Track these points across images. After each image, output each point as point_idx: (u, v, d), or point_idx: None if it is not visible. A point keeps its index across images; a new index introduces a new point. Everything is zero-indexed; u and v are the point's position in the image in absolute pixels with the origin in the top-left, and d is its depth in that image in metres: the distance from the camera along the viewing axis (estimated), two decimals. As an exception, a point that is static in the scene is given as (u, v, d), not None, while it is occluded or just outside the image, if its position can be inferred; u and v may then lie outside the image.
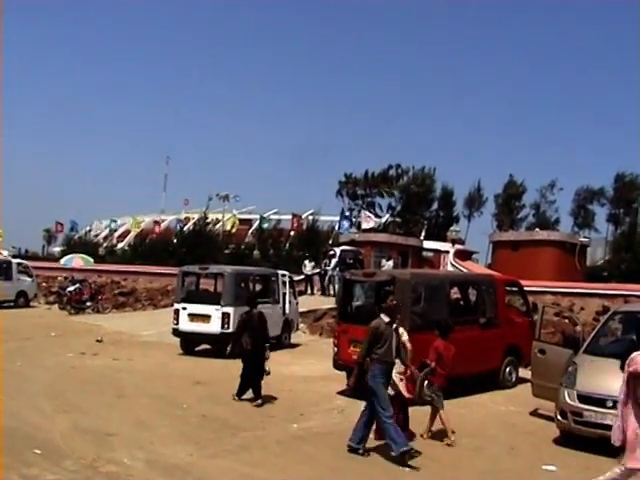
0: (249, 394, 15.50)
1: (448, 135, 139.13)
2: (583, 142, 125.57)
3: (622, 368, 8.51)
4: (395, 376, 12.02)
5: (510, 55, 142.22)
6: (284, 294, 25.36)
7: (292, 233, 63.00)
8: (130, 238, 78.27)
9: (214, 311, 21.81)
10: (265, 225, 65.44)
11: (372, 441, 12.18)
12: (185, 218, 75.46)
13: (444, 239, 57.53)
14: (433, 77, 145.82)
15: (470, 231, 75.73)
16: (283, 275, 25.96)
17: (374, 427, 11.94)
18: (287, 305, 25.34)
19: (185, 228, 66.21)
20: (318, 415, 14.32)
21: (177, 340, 22.95)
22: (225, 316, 21.77)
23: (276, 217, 71.04)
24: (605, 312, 20.09)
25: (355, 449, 11.32)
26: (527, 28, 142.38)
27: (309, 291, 37.30)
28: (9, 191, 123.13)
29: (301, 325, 28.11)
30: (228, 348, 16.07)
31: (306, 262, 38.71)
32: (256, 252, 55.82)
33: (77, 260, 50.20)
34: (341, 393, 16.39)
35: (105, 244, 79.51)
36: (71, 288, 36.25)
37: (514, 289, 20.63)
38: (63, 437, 11.38)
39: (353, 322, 16.51)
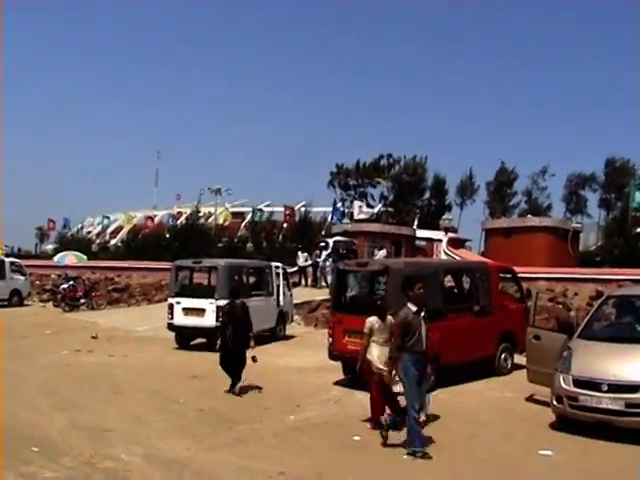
0: (225, 384, 15.62)
1: (439, 124, 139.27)
2: (574, 128, 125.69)
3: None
4: (379, 363, 12.30)
5: (500, 43, 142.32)
6: (278, 286, 25.40)
7: (285, 225, 62.96)
8: (123, 234, 78.17)
9: (208, 305, 21.81)
10: (258, 218, 65.40)
11: (369, 431, 12.23)
12: (177, 213, 75.41)
13: (437, 228, 57.49)
14: (423, 67, 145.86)
15: (462, 219, 76.00)
16: (277, 267, 25.98)
17: (370, 415, 12.20)
18: (281, 297, 25.39)
19: (178, 223, 66.13)
20: (314, 406, 14.33)
21: (172, 334, 22.97)
22: (220, 309, 21.74)
23: (268, 209, 71.02)
24: (599, 297, 20.13)
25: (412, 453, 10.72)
26: (512, 14, 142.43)
27: (303, 283, 37.33)
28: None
29: (296, 317, 28.14)
30: (218, 342, 16.06)
31: (299, 254, 38.73)
32: (249, 245, 55.79)
33: (70, 257, 50.05)
34: (337, 383, 16.44)
35: (98, 241, 79.42)
36: (65, 285, 36.26)
37: (508, 276, 20.65)
38: (60, 434, 11.39)
39: (347, 312, 16.52)
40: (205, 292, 22.92)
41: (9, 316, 31.22)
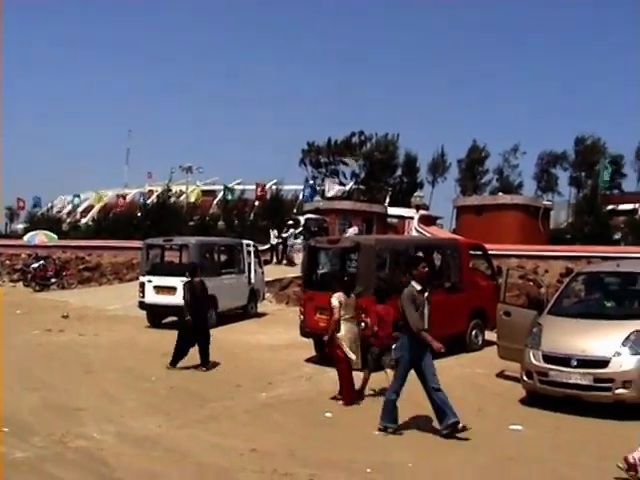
0: (195, 361, 15.68)
1: (411, 102, 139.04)
2: (545, 106, 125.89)
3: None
4: (346, 345, 12.69)
5: (471, 20, 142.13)
6: (249, 264, 25.42)
7: (256, 203, 62.77)
8: (94, 213, 77.54)
9: (179, 283, 21.62)
10: (229, 196, 65.13)
11: (341, 408, 12.30)
12: (148, 191, 74.81)
13: (408, 205, 57.70)
14: (393, 44, 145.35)
15: (434, 197, 76.16)
16: (248, 245, 25.98)
17: (338, 391, 12.68)
18: (253, 275, 25.43)
19: (149, 201, 65.68)
20: (286, 383, 14.39)
21: (143, 313, 22.94)
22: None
23: (240, 187, 70.69)
24: (569, 274, 20.27)
25: (452, 425, 10.50)
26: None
27: (274, 260, 37.31)
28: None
29: (267, 294, 28.17)
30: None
31: (271, 232, 38.72)
32: (221, 223, 55.56)
33: (40, 237, 49.68)
34: (309, 360, 16.50)
35: (69, 220, 78.71)
36: (35, 265, 36.06)
37: (478, 253, 20.72)
38: (32, 414, 11.36)
39: (319, 289, 16.54)
40: (176, 270, 22.83)
41: (-22, 296, 31.01)
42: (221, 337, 20.33)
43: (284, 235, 37.46)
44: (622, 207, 57.73)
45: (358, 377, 13.11)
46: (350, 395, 12.75)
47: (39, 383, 13.75)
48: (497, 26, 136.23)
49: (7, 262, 43.43)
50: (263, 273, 27.32)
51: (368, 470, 9.00)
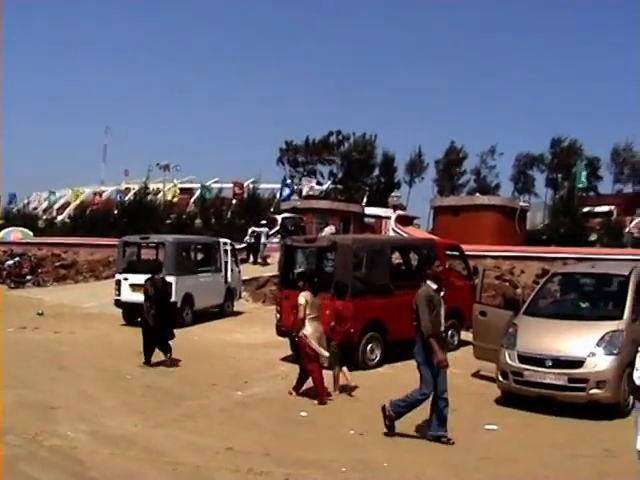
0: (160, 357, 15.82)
1: (389, 102, 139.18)
2: (523, 107, 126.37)
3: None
4: (315, 342, 12.80)
5: (450, 20, 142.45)
6: (226, 262, 25.39)
7: (234, 201, 62.64)
8: (70, 210, 77.04)
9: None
10: (207, 194, 64.96)
11: (316, 407, 12.32)
12: (125, 189, 74.42)
13: (385, 205, 57.67)
14: (373, 43, 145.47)
15: (411, 197, 76.36)
16: (225, 243, 25.96)
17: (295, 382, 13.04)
18: (229, 273, 25.39)
19: (126, 199, 65.42)
20: (262, 382, 14.41)
21: (119, 311, 22.85)
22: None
23: (217, 186, 70.53)
24: (544, 275, 20.37)
25: (438, 437, 10.43)
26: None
27: (251, 259, 37.25)
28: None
29: (244, 293, 28.13)
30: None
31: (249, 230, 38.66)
32: (198, 221, 55.46)
33: (16, 233, 49.49)
34: (285, 359, 16.50)
35: (44, 217, 78.28)
36: (10, 262, 35.84)
37: (455, 253, 20.81)
38: (6, 412, 11.24)
39: (295, 288, 16.52)
40: (153, 268, 22.73)
41: (-48, 293, 30.80)
42: (197, 336, 20.40)
43: (258, 230, 37.36)
44: (598, 209, 58.08)
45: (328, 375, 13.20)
46: (323, 393, 12.88)
47: (14, 380, 13.61)
48: (471, 26, 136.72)
49: (-19, 259, 43.09)
50: (240, 272, 27.30)
51: (343, 469, 9.02)
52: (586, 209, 54.94)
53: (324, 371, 13.15)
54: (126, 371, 15.02)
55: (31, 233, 49.30)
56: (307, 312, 12.97)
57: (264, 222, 39.41)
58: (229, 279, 25.43)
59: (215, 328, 22.27)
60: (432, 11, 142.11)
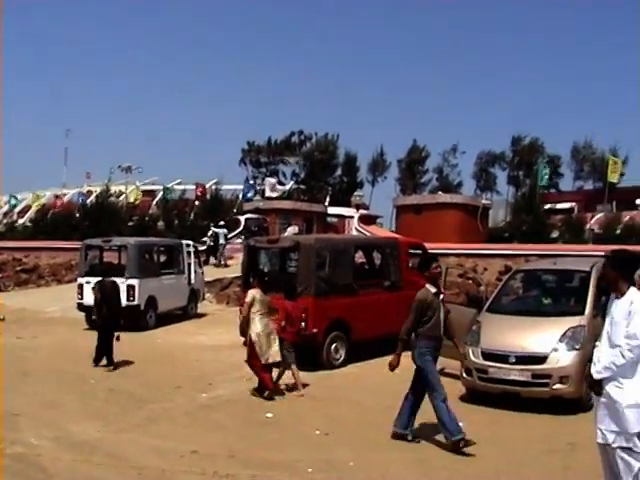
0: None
1: (351, 101, 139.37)
2: (484, 106, 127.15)
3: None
4: (255, 336, 13.02)
5: (417, 18, 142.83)
6: (189, 264, 25.31)
7: (196, 203, 62.48)
8: (31, 213, 76.36)
9: (119, 284, 21.51)
10: (169, 196, 64.72)
11: (281, 408, 12.29)
12: (87, 191, 73.88)
13: (348, 205, 57.90)
14: (334, 43, 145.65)
15: (374, 196, 76.69)
16: (188, 245, 25.87)
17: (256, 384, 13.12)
18: (192, 275, 25.32)
19: (88, 201, 65.00)
20: (226, 384, 14.35)
21: (82, 315, 22.66)
22: (130, 288, 21.60)
23: (180, 187, 70.29)
24: (507, 272, 20.55)
25: (402, 435, 10.30)
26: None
27: (211, 260, 37.18)
28: None
29: (207, 295, 28.06)
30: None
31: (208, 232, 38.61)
32: (160, 223, 55.25)
33: (-25, 238, 48.91)
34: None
35: (5, 220, 77.51)
36: (-30, 267, 35.46)
37: (418, 252, 20.85)
38: (-34, 420, 11.15)
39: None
40: (115, 271, 22.53)
41: None
42: (161, 338, 20.31)
43: (216, 231, 37.31)
44: (559, 206, 58.68)
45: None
46: (270, 384, 13.14)
47: (-26, 388, 13.51)
48: (435, 27, 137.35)
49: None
50: (203, 273, 27.24)
51: (309, 470, 9.00)
52: (547, 206, 55.51)
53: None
54: (89, 375, 14.91)
55: (-9, 237, 48.75)
56: (257, 309, 13.13)
57: (222, 223, 39.38)
58: (192, 281, 25.35)
59: (179, 330, 22.18)
60: (386, 6, 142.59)
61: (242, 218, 44.06)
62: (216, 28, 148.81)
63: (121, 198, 65.65)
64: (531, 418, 11.60)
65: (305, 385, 13.77)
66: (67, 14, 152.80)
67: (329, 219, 56.79)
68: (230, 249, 39.42)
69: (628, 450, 6.64)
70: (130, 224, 54.12)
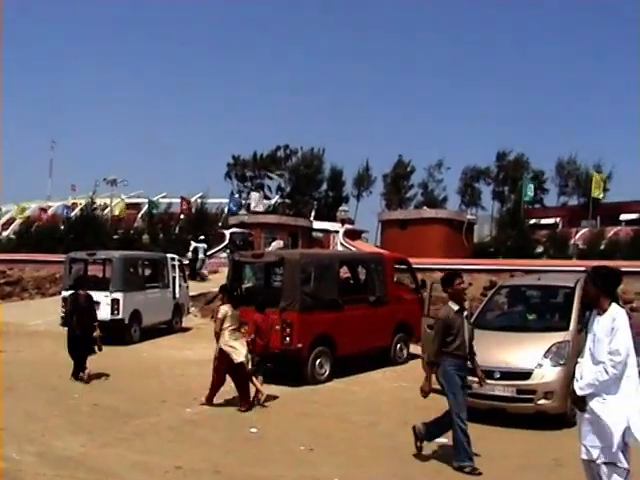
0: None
1: (337, 116, 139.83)
2: (469, 121, 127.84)
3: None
4: (227, 346, 13.33)
5: (397, 39, 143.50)
6: (174, 278, 25.27)
7: (182, 216, 62.45)
8: (15, 226, 76.13)
9: (103, 297, 21.45)
10: (155, 209, 64.64)
11: (266, 422, 12.26)
12: (72, 204, 73.80)
13: (334, 219, 58.03)
14: (320, 59, 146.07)
15: (359, 211, 77.02)
16: (172, 259, 25.83)
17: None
18: (177, 289, 25.28)
19: (72, 214, 64.89)
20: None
21: (66, 329, 22.52)
22: (114, 302, 21.55)
23: (165, 201, 70.30)
24: (492, 287, 20.58)
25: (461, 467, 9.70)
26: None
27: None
28: None
29: (192, 309, 28.01)
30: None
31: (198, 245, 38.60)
32: (145, 237, 55.15)
33: (-41, 250, 48.61)
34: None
35: (-11, 233, 77.33)
36: (-47, 280, 35.26)
37: (403, 267, 20.91)
38: (-53, 435, 11.07)
39: (244, 304, 16.50)
40: (100, 285, 22.54)
41: None
42: (146, 352, 20.23)
43: (196, 245, 37.34)
44: (544, 221, 58.95)
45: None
46: (212, 394, 13.62)
47: (-43, 402, 13.43)
48: (418, 44, 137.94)
49: None
50: (188, 287, 27.18)
51: (294, 485, 8.99)
52: (532, 221, 55.82)
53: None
54: (73, 390, 14.84)
55: (-25, 250, 48.51)
56: (229, 323, 13.41)
57: (202, 237, 39.43)
58: (177, 295, 25.31)
59: (163, 344, 22.12)
60: (372, 23, 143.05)
61: (227, 232, 44.00)
62: (202, 43, 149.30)
63: (106, 211, 65.51)
64: (517, 434, 11.64)
65: (274, 397, 14.06)
66: (52, 26, 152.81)
67: (314, 234, 56.84)
68: (215, 263, 39.41)
69: (612, 466, 6.68)
70: (115, 237, 54.01)
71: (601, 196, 59.62)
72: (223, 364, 13.44)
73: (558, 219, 62.27)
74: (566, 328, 12.64)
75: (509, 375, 11.98)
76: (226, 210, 63.71)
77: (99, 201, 64.08)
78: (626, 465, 6.72)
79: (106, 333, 20.01)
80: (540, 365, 12.01)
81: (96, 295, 21.05)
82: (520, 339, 12.76)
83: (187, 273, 29.47)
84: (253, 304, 14.49)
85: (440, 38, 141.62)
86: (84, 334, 15.99)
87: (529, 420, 11.84)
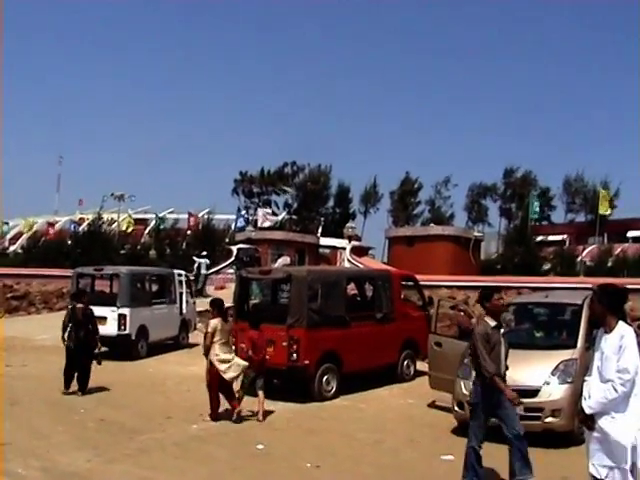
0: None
1: (344, 132, 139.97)
2: (477, 138, 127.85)
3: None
4: (217, 361, 13.47)
5: (409, 47, 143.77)
6: (181, 294, 25.23)
7: (189, 232, 62.52)
8: (23, 240, 76.36)
9: (110, 312, 21.46)
10: (162, 225, 64.75)
11: (273, 439, 12.21)
12: (79, 219, 74.04)
13: (341, 236, 57.93)
14: (327, 74, 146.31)
15: (366, 227, 76.86)
16: (179, 275, 25.81)
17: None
18: (184, 305, 25.23)
19: (80, 229, 65.07)
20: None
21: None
22: (121, 317, 21.52)
23: (173, 216, 70.46)
24: (499, 304, 20.50)
25: None
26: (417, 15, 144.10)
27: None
28: None
29: (199, 325, 27.93)
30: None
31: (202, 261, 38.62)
32: (152, 252, 55.24)
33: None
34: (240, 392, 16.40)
35: (-4, 247, 77.53)
36: (-39, 294, 35.29)
37: (410, 284, 20.86)
38: (-46, 449, 11.05)
39: (251, 320, 16.49)
40: (107, 300, 22.56)
41: None
42: (152, 368, 20.19)
43: (198, 261, 37.38)
44: (551, 238, 58.87)
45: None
46: (215, 411, 13.75)
47: (-37, 416, 13.40)
48: (428, 58, 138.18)
49: None
50: (195, 303, 27.14)
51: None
52: (539, 238, 55.81)
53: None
54: (79, 405, 14.81)
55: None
56: (219, 337, 13.54)
57: (205, 253, 39.51)
58: (184, 310, 25.26)
59: (170, 360, 22.08)
60: (378, 40, 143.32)
61: (234, 248, 43.99)
62: (210, 56, 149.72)
63: (113, 226, 65.64)
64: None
65: (270, 412, 14.08)
66: (61, 43, 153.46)
67: (321, 250, 56.81)
68: (221, 279, 39.41)
69: (621, 484, 6.64)
70: (122, 252, 54.11)
71: (608, 213, 59.59)
72: (215, 379, 13.58)
73: (565, 236, 62.27)
74: (574, 346, 12.61)
75: (517, 393, 11.90)
76: (233, 226, 63.77)
77: (106, 216, 64.27)
78: (635, 484, 6.69)
79: (113, 348, 20.13)
80: (547, 383, 11.98)
81: (103, 310, 21.18)
82: (527, 357, 12.67)
83: (193, 289, 29.47)
84: (263, 320, 14.49)
85: (447, 55, 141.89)
86: (80, 347, 15.98)
87: (536, 438, 11.75)
